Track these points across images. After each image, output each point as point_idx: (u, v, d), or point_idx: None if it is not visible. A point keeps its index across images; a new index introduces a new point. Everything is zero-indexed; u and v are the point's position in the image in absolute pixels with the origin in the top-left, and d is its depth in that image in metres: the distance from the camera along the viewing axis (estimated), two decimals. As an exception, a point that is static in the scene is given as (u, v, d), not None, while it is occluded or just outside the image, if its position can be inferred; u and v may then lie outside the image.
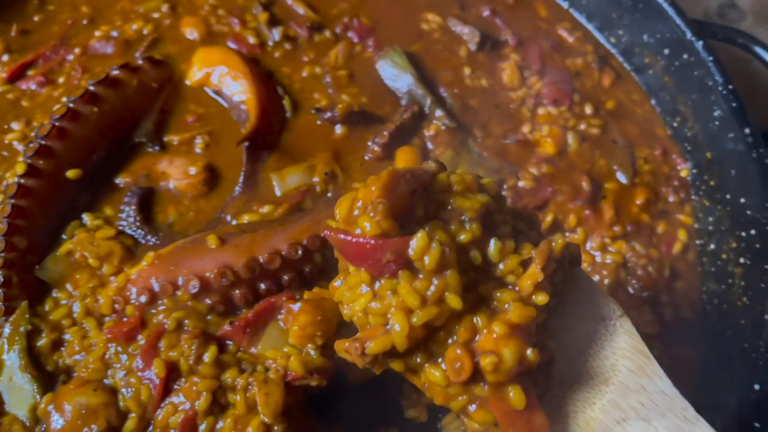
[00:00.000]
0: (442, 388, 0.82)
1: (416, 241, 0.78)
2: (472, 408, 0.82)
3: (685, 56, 1.34)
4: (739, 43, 1.32)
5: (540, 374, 0.84)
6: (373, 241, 0.78)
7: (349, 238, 0.80)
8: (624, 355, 0.86)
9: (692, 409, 0.81)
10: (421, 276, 0.79)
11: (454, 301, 0.78)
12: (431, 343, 0.82)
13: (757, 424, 0.81)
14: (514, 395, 0.79)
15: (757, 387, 0.98)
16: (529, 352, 0.78)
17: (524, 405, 0.79)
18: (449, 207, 0.83)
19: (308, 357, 1.05)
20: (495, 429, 0.83)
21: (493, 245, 0.82)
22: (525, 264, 0.82)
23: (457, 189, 0.84)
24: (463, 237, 0.81)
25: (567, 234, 1.28)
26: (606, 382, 0.85)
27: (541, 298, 0.80)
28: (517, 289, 0.82)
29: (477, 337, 0.80)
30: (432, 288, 0.78)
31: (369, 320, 0.82)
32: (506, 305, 0.81)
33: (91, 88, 1.27)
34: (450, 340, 0.81)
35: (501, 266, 0.82)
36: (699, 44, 1.29)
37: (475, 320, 0.80)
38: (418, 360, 0.82)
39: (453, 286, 0.78)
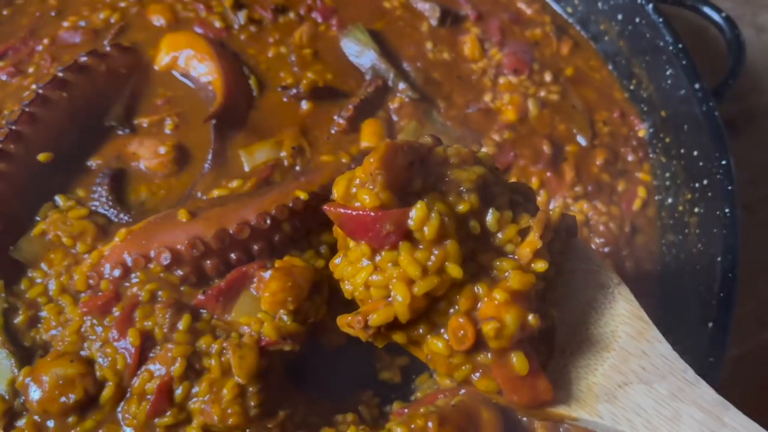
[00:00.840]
0: (445, 359, 0.84)
1: (416, 212, 0.79)
2: (476, 376, 0.83)
3: (638, 20, 1.38)
4: (689, 5, 1.36)
5: (542, 342, 0.86)
6: (372, 213, 0.79)
7: (349, 211, 0.81)
8: (623, 322, 0.88)
9: (692, 371, 0.83)
10: (421, 247, 0.80)
11: (454, 271, 0.80)
12: (433, 313, 0.83)
13: (711, 359, 0.85)
14: (517, 361, 0.81)
15: (710, 324, 1.02)
16: (530, 317, 0.80)
17: (527, 371, 0.81)
18: (447, 179, 0.84)
19: (281, 323, 1.07)
20: (499, 397, 0.85)
21: (491, 215, 0.83)
22: (523, 233, 0.83)
23: (454, 161, 0.85)
24: (461, 207, 0.82)
25: (530, 196, 1.32)
26: (607, 348, 0.87)
27: (541, 266, 0.82)
28: (516, 257, 0.83)
29: (478, 305, 0.81)
30: (432, 258, 0.79)
31: (371, 293, 0.83)
32: (506, 273, 0.82)
33: (60, 74, 1.30)
34: (451, 310, 0.82)
35: (499, 235, 0.84)
36: (649, 7, 1.34)
37: (475, 289, 0.82)
38: (421, 331, 0.84)
39: (453, 255, 0.80)
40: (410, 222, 0.79)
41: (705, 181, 1.19)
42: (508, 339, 0.79)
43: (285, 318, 1.08)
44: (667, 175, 1.31)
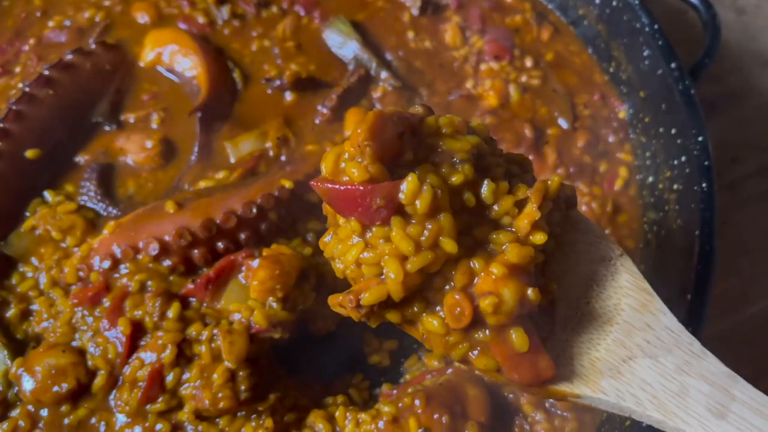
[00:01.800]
0: (441, 337, 0.80)
1: (407, 185, 0.74)
2: (474, 354, 0.80)
3: (615, 3, 1.40)
4: (664, -14, 1.38)
5: (542, 317, 0.83)
6: (362, 188, 0.75)
7: (337, 186, 0.76)
8: (626, 294, 0.85)
9: (698, 343, 0.80)
10: (413, 221, 0.76)
11: (449, 245, 0.76)
12: (428, 290, 0.79)
13: (689, 329, 0.86)
14: (517, 337, 0.77)
15: (689, 297, 1.03)
16: (529, 291, 0.76)
17: (527, 347, 0.77)
18: (439, 150, 0.79)
19: (271, 310, 1.09)
20: (499, 375, 0.82)
21: (486, 186, 0.79)
22: (520, 204, 0.79)
23: (447, 131, 0.81)
24: (455, 179, 0.78)
25: (514, 180, 1.34)
26: (610, 322, 0.84)
27: (539, 237, 0.78)
28: (513, 230, 0.79)
29: (475, 281, 0.78)
30: (425, 233, 0.75)
31: (362, 272, 0.79)
32: (503, 247, 0.78)
33: (46, 72, 1.32)
34: (447, 287, 0.79)
35: (496, 207, 0.79)
36: (626, -10, 1.36)
37: (472, 264, 0.78)
38: (416, 309, 0.80)
39: (447, 229, 0.76)
40: (401, 195, 0.75)
41: (683, 158, 1.21)
42: (506, 315, 0.76)
43: (274, 305, 1.09)
44: (648, 154, 1.33)
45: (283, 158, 1.33)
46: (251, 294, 1.10)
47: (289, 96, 1.39)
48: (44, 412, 1.06)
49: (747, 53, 1.84)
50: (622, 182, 1.34)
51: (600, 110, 1.42)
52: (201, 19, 1.49)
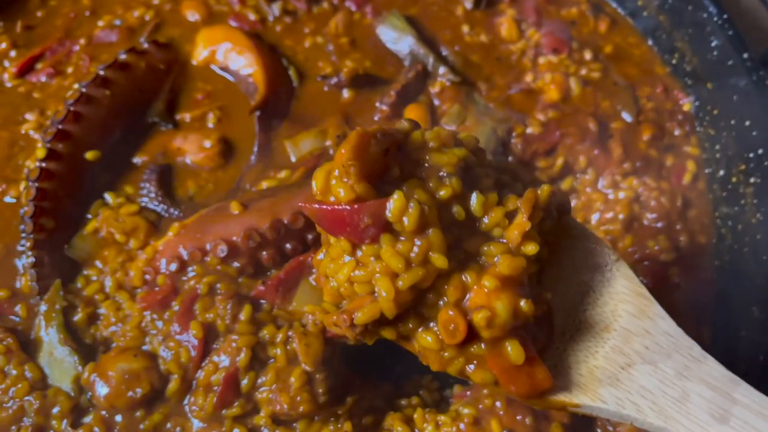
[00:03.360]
0: (436, 353, 0.80)
1: (393, 202, 0.74)
2: (470, 368, 0.80)
3: (677, -7, 1.37)
4: (729, -24, 1.35)
5: (539, 327, 0.82)
6: (348, 207, 0.75)
7: (325, 206, 0.77)
8: (624, 300, 0.84)
9: (698, 347, 0.79)
10: (402, 238, 0.76)
11: (439, 261, 0.75)
12: (421, 306, 0.79)
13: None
14: (512, 350, 0.77)
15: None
16: (522, 303, 0.76)
17: (523, 359, 0.77)
18: (426, 164, 0.80)
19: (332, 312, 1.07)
20: (498, 389, 0.81)
21: (475, 199, 0.78)
22: (510, 215, 0.79)
23: (433, 145, 0.81)
24: (442, 193, 0.78)
25: (578, 175, 1.31)
26: (607, 329, 0.83)
27: (531, 248, 0.77)
28: (504, 241, 0.79)
29: (468, 295, 0.77)
30: (415, 249, 0.75)
31: (355, 290, 0.79)
32: (495, 259, 0.78)
33: (102, 72, 1.29)
34: (441, 302, 0.78)
35: (485, 220, 0.79)
36: (690, -21, 1.33)
37: (464, 278, 0.78)
38: (410, 325, 0.80)
39: (437, 244, 0.75)
40: (388, 213, 0.75)
41: (760, 150, 1.18)
42: (500, 328, 0.76)
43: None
44: (717, 147, 1.30)
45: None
46: (324, 297, 1.07)
47: (346, 93, 1.37)
48: (119, 418, 1.05)
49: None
50: (690, 176, 1.31)
51: (663, 103, 1.40)
52: (252, 16, 1.47)
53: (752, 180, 1.19)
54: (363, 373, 1.15)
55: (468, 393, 1.12)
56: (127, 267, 1.15)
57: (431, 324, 0.79)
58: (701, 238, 1.24)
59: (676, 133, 1.36)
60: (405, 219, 0.75)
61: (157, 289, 1.12)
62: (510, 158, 1.30)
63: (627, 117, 1.36)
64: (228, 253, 1.12)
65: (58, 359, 1.08)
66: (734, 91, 1.25)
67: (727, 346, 1.09)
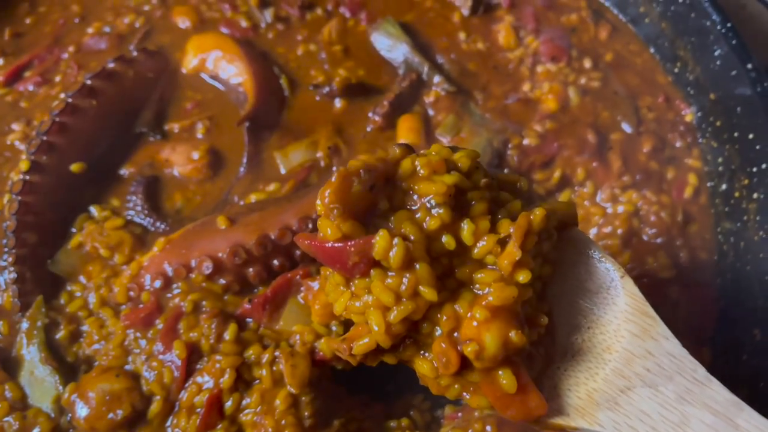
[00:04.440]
0: (433, 380, 0.81)
1: (377, 242, 0.75)
2: (467, 395, 0.80)
3: (680, 0, 1.32)
4: (734, -18, 1.30)
5: (537, 349, 0.81)
6: (336, 245, 0.76)
7: (315, 243, 0.78)
8: (627, 319, 0.81)
9: (703, 369, 0.77)
10: (392, 273, 0.76)
11: (429, 294, 0.76)
12: (417, 334, 0.79)
13: (784, 352, 0.80)
14: (505, 379, 0.77)
15: (781, 316, 0.97)
16: (512, 334, 0.75)
17: (515, 389, 0.77)
18: (414, 194, 0.79)
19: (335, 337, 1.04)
20: (495, 411, 0.81)
21: (465, 228, 0.78)
22: (504, 242, 0.78)
23: (423, 173, 0.79)
24: (431, 224, 0.77)
25: (576, 188, 1.27)
26: (609, 350, 0.81)
27: (522, 277, 0.76)
28: (498, 268, 0.78)
29: (463, 324, 0.77)
30: (404, 283, 0.76)
31: (352, 319, 0.81)
32: (487, 288, 0.77)
33: (88, 81, 1.27)
34: (436, 330, 0.78)
35: (477, 248, 0.78)
36: (693, -14, 1.28)
37: (456, 307, 0.78)
38: (408, 352, 0.81)
39: (425, 278, 0.76)
40: (374, 252, 0.75)
41: (764, 165, 1.14)
42: (489, 360, 0.75)
43: (335, 329, 1.04)
44: (720, 160, 1.26)
45: (334, 168, 1.28)
46: (313, 318, 1.04)
47: (338, 103, 1.34)
48: (99, 440, 1.02)
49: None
50: (692, 190, 1.27)
51: (665, 113, 1.35)
52: (244, 23, 1.44)
53: (755, 195, 1.15)
54: (354, 392, 1.12)
55: (459, 414, 1.09)
56: (112, 283, 1.13)
57: (427, 353, 0.80)
58: (702, 254, 1.20)
59: (678, 144, 1.32)
60: (391, 255, 0.75)
61: (141, 306, 1.09)
62: (506, 170, 1.27)
63: (627, 128, 1.33)
64: (213, 269, 1.09)
65: (38, 378, 1.06)
66: (737, 103, 1.21)
67: (728, 369, 1.06)
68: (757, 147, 1.15)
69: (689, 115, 1.35)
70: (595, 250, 0.85)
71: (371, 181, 0.78)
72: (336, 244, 0.77)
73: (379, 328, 0.76)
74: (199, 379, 1.02)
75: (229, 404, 1.00)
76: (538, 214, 0.79)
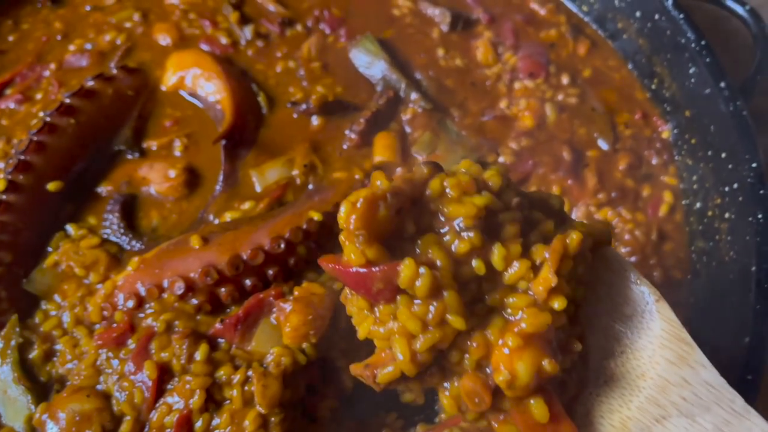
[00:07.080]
0: (460, 413, 0.80)
1: (402, 270, 0.73)
2: (495, 425, 0.79)
3: (657, 16, 1.32)
4: (711, -1, 1.30)
5: (570, 375, 0.80)
6: (361, 270, 0.74)
7: (338, 267, 0.76)
8: (662, 345, 0.79)
9: (741, 399, 0.74)
10: (418, 300, 0.74)
11: (457, 322, 0.73)
12: (444, 362, 0.77)
13: (749, 377, 0.80)
14: (536, 408, 0.75)
15: (746, 340, 0.96)
16: (545, 362, 0.73)
17: (548, 418, 0.75)
18: (443, 217, 0.76)
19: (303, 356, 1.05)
20: None
21: (496, 253, 0.74)
22: (537, 267, 0.75)
23: (453, 195, 0.76)
24: (460, 248, 0.74)
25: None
26: (643, 377, 0.79)
27: (558, 304, 0.74)
28: (531, 293, 0.75)
29: (494, 352, 0.75)
30: (431, 310, 0.73)
31: (377, 343, 0.79)
32: (519, 313, 0.75)
33: (67, 100, 1.28)
34: (464, 359, 0.76)
35: (509, 272, 0.76)
36: (669, 3, 1.28)
37: (487, 334, 0.75)
38: (435, 380, 0.79)
39: (453, 307, 0.73)
40: (399, 280, 0.73)
41: (735, 185, 1.13)
42: (522, 389, 0.74)
43: (306, 349, 1.05)
44: (695, 178, 1.26)
45: (310, 186, 1.29)
46: (284, 340, 1.05)
47: (315, 120, 1.35)
48: (69, 460, 1.03)
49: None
50: (667, 208, 1.27)
51: (642, 130, 1.36)
52: (224, 40, 1.45)
53: (727, 215, 1.15)
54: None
55: (431, 434, 1.09)
56: (86, 301, 1.14)
57: (455, 381, 0.78)
58: (676, 273, 1.20)
59: (654, 162, 1.32)
60: (417, 284, 0.73)
61: (114, 326, 1.10)
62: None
63: (603, 145, 1.33)
64: (185, 289, 1.09)
65: (11, 398, 1.07)
66: (711, 121, 1.21)
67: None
68: (730, 166, 1.15)
69: (666, 132, 1.35)
70: (631, 272, 0.83)
71: (398, 205, 0.75)
72: (360, 270, 0.75)
73: (404, 357, 0.74)
74: (169, 399, 1.02)
75: (199, 425, 1.00)
76: (574, 238, 0.76)
